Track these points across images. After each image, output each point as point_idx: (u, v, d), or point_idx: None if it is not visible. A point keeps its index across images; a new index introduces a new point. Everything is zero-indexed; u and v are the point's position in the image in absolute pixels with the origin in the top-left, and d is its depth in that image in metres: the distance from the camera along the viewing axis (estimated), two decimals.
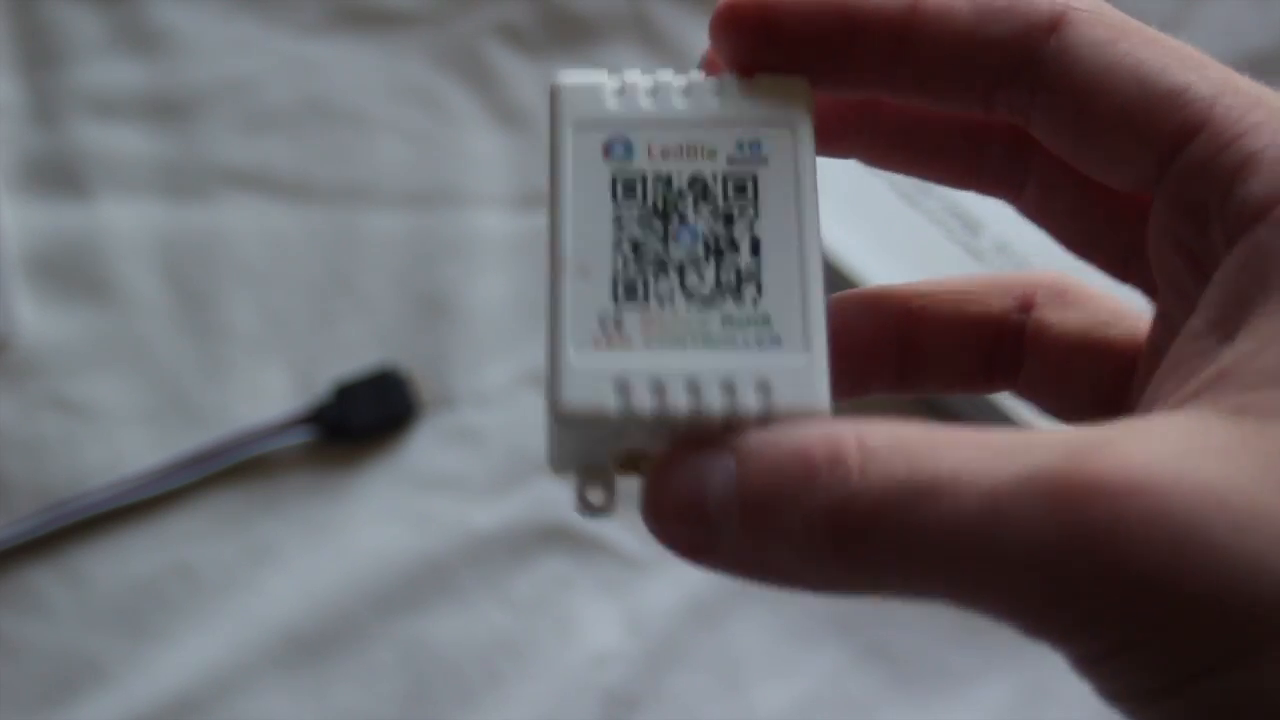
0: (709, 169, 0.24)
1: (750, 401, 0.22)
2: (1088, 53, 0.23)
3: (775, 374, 0.23)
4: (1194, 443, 0.20)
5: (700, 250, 0.24)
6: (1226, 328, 0.22)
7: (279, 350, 0.53)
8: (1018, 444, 0.21)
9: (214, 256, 0.54)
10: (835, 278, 0.51)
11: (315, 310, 0.54)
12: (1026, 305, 0.28)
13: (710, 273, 0.24)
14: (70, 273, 0.54)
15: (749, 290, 0.23)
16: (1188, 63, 0.23)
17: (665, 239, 0.24)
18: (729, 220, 0.24)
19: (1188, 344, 0.22)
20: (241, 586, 0.50)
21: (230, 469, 0.51)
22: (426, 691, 0.49)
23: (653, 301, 0.23)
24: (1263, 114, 0.22)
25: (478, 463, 0.52)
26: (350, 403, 0.52)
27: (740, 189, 0.24)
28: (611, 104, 0.24)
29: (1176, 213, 0.23)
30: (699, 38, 0.58)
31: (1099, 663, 0.21)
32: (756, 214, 0.24)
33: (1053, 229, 0.27)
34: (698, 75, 0.25)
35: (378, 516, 0.51)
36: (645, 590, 0.50)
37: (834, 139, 0.27)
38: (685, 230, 0.24)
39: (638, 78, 0.25)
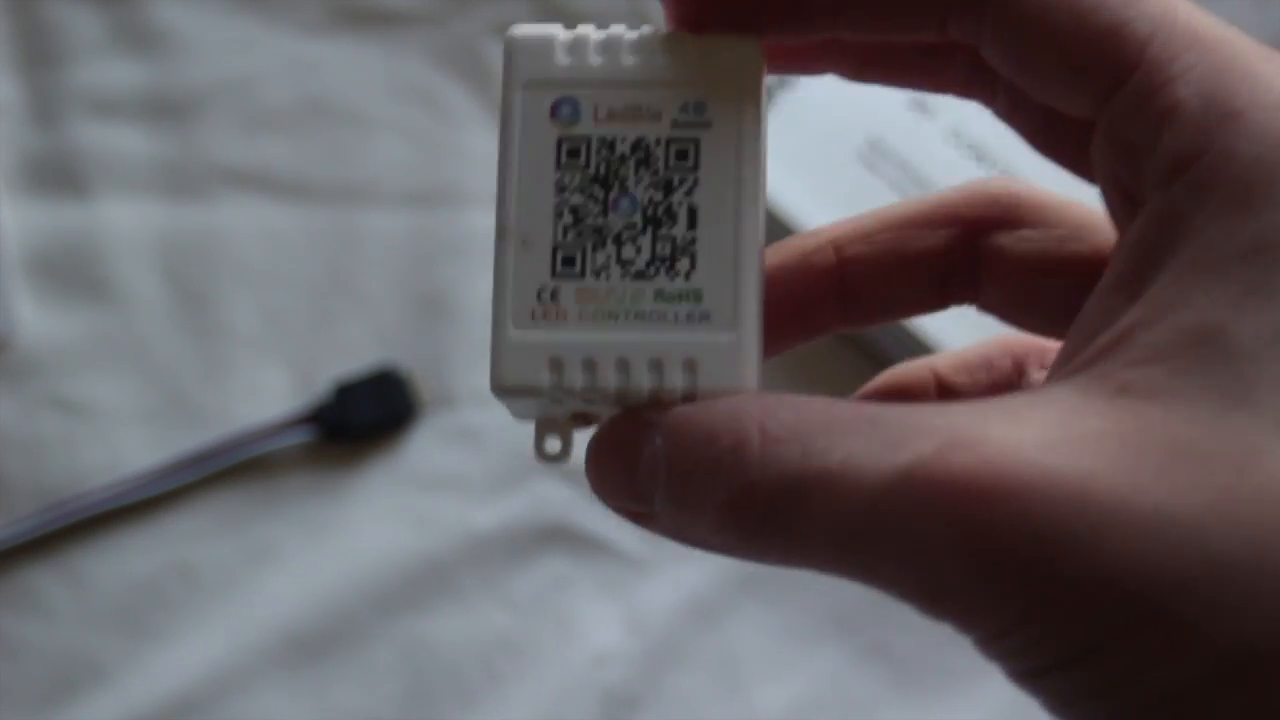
0: (652, 133, 0.24)
1: (676, 381, 0.23)
2: None
3: (702, 352, 0.23)
4: (1068, 430, 0.21)
5: (638, 219, 0.24)
6: (1132, 288, 0.22)
7: (279, 350, 0.53)
8: (905, 430, 0.21)
9: (214, 256, 0.54)
10: None
11: (315, 310, 0.54)
12: (977, 228, 0.27)
13: (646, 244, 0.24)
14: (70, 273, 0.54)
15: (683, 263, 0.24)
16: None
17: (605, 207, 0.24)
18: (668, 188, 0.24)
19: (1098, 300, 0.22)
20: (241, 586, 0.50)
21: (230, 469, 0.51)
22: (426, 691, 0.49)
23: (589, 274, 0.24)
24: (1194, 56, 0.22)
25: (478, 463, 0.52)
26: (350, 403, 0.52)
27: (682, 154, 0.24)
28: (562, 60, 0.25)
29: (1113, 154, 0.23)
30: None
31: (988, 643, 0.22)
32: (696, 182, 0.24)
33: (1023, 130, 0.26)
34: (649, 31, 0.25)
35: (378, 516, 0.51)
36: (645, 590, 0.50)
37: (808, 59, 0.26)
38: (625, 198, 0.24)
39: (590, 32, 0.25)
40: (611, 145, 0.24)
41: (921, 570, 0.21)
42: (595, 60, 0.25)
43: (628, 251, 0.24)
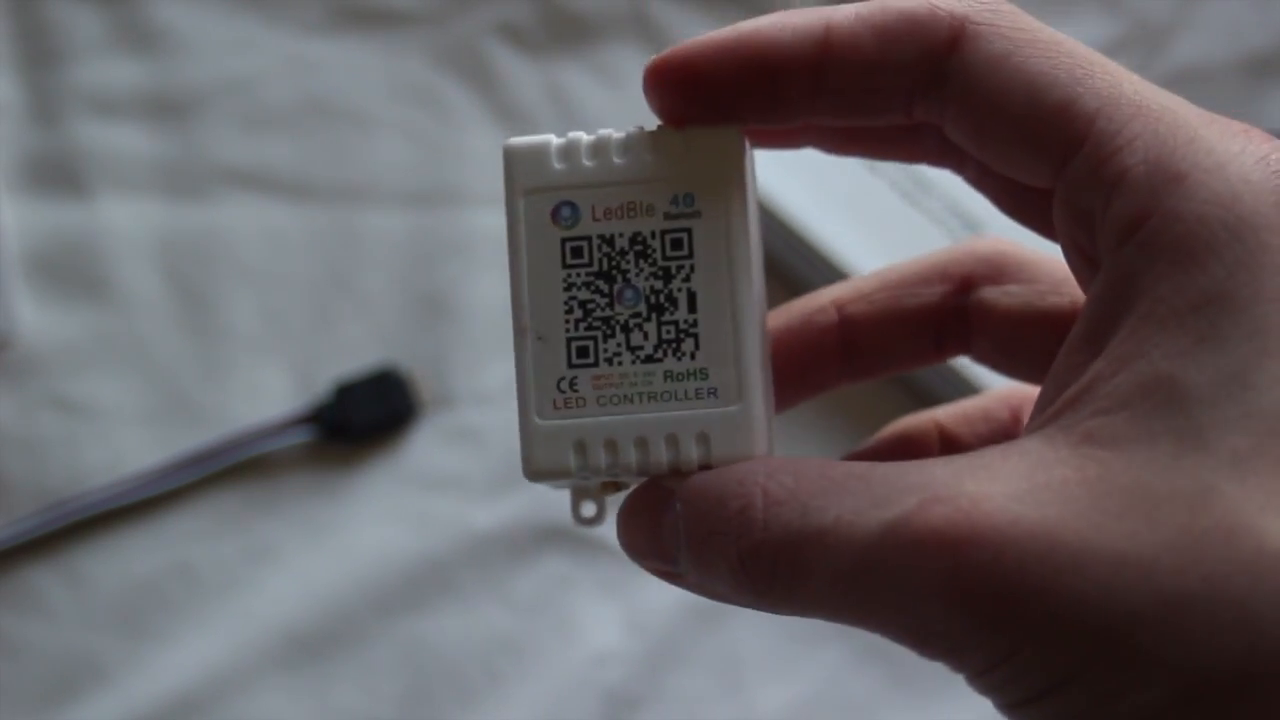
0: (647, 227, 0.26)
1: (692, 454, 0.26)
2: (983, 70, 0.24)
3: (713, 425, 0.26)
4: (1035, 480, 0.22)
5: (643, 308, 0.26)
6: (1095, 344, 0.23)
7: (279, 350, 0.53)
8: (890, 488, 0.23)
9: (214, 256, 0.54)
10: (836, 276, 0.51)
11: (315, 310, 0.54)
12: (966, 285, 0.30)
13: (652, 330, 0.26)
14: (70, 272, 0.54)
15: (687, 345, 0.26)
16: (1075, 73, 0.24)
17: (611, 299, 0.26)
18: (667, 276, 0.26)
19: (1067, 356, 0.24)
20: (241, 586, 0.50)
21: (230, 469, 0.51)
22: (426, 691, 0.49)
23: (602, 363, 0.26)
24: (1139, 126, 0.23)
25: (478, 463, 0.52)
26: (350, 402, 0.52)
27: (676, 244, 0.26)
28: (557, 166, 0.27)
29: (1070, 219, 0.24)
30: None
31: (978, 678, 0.23)
32: (692, 268, 0.26)
33: (992, 197, 0.28)
34: (634, 131, 0.27)
35: (378, 516, 0.51)
36: (645, 590, 0.50)
37: (788, 138, 0.28)
38: (629, 289, 0.26)
39: (581, 137, 0.27)
40: (611, 241, 0.26)
41: (910, 615, 0.23)
42: (588, 164, 0.27)
43: (635, 338, 0.26)
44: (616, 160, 0.26)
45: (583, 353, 0.26)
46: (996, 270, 0.30)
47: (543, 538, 0.51)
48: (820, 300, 0.31)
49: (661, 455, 0.26)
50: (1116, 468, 0.22)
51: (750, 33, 0.26)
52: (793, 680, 0.50)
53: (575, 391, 0.26)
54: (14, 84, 0.56)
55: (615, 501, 0.27)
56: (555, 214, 0.26)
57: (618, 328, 0.26)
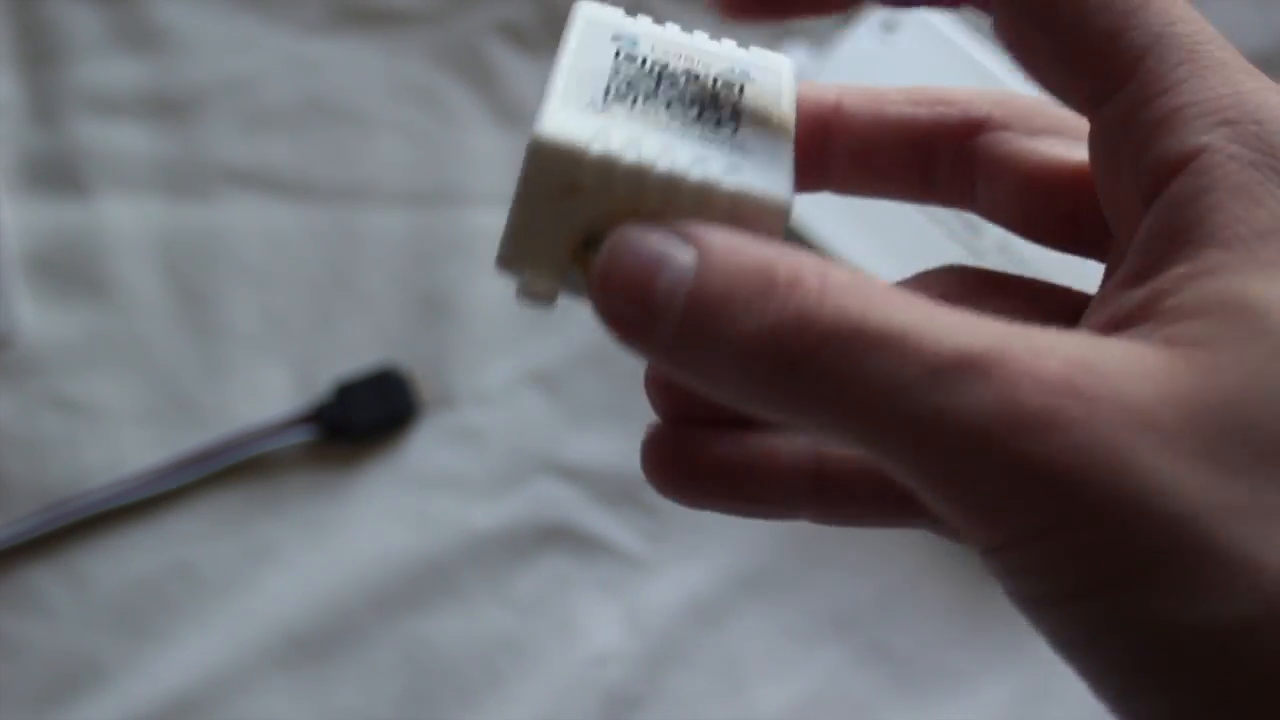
0: (703, 70, 0.26)
1: (719, 173, 0.23)
2: None
3: (743, 164, 0.24)
4: (1130, 363, 0.21)
5: (687, 99, 0.25)
6: (1151, 274, 0.22)
7: (279, 350, 0.53)
8: (969, 320, 0.21)
9: (214, 255, 0.54)
10: None
11: (316, 309, 0.54)
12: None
13: (694, 111, 0.25)
14: (70, 272, 0.54)
15: (726, 127, 0.25)
16: (1131, 3, 0.23)
17: (657, 88, 0.25)
18: (715, 97, 0.26)
19: (1114, 291, 0.23)
20: (242, 586, 0.50)
21: (230, 469, 0.51)
22: (426, 691, 0.49)
23: (639, 106, 0.24)
24: (1186, 71, 0.23)
25: (478, 462, 0.52)
26: (351, 402, 0.52)
27: (728, 85, 0.26)
28: (624, 19, 0.27)
29: (1106, 157, 0.24)
30: None
31: (998, 554, 0.21)
32: (740, 98, 0.26)
33: (1005, 223, 0.28)
34: (701, 32, 0.27)
35: (378, 516, 0.51)
36: (645, 590, 0.50)
37: (809, 180, 0.28)
38: (674, 90, 0.25)
39: (649, 19, 0.27)
40: (665, 65, 0.26)
41: (961, 455, 0.20)
42: (654, 27, 0.27)
43: (676, 110, 0.25)
44: (681, 33, 0.27)
45: (621, 96, 0.25)
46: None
47: (543, 538, 0.51)
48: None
49: (689, 166, 0.23)
50: (1204, 370, 0.20)
51: None
52: (793, 680, 0.50)
53: (606, 110, 0.24)
54: (14, 83, 0.56)
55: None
56: (615, 38, 0.26)
57: (660, 101, 0.25)
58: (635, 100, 0.25)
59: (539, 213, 0.24)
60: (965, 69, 0.53)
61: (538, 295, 0.24)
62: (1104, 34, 0.23)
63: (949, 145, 0.28)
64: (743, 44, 0.27)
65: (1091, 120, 0.24)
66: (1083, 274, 0.29)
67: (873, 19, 0.54)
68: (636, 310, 0.22)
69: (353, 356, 0.53)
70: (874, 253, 0.51)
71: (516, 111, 0.57)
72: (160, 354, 0.53)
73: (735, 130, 0.25)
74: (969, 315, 0.21)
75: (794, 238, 0.52)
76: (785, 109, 0.26)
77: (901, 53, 0.53)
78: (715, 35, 0.28)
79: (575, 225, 0.24)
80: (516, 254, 0.24)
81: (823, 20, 0.56)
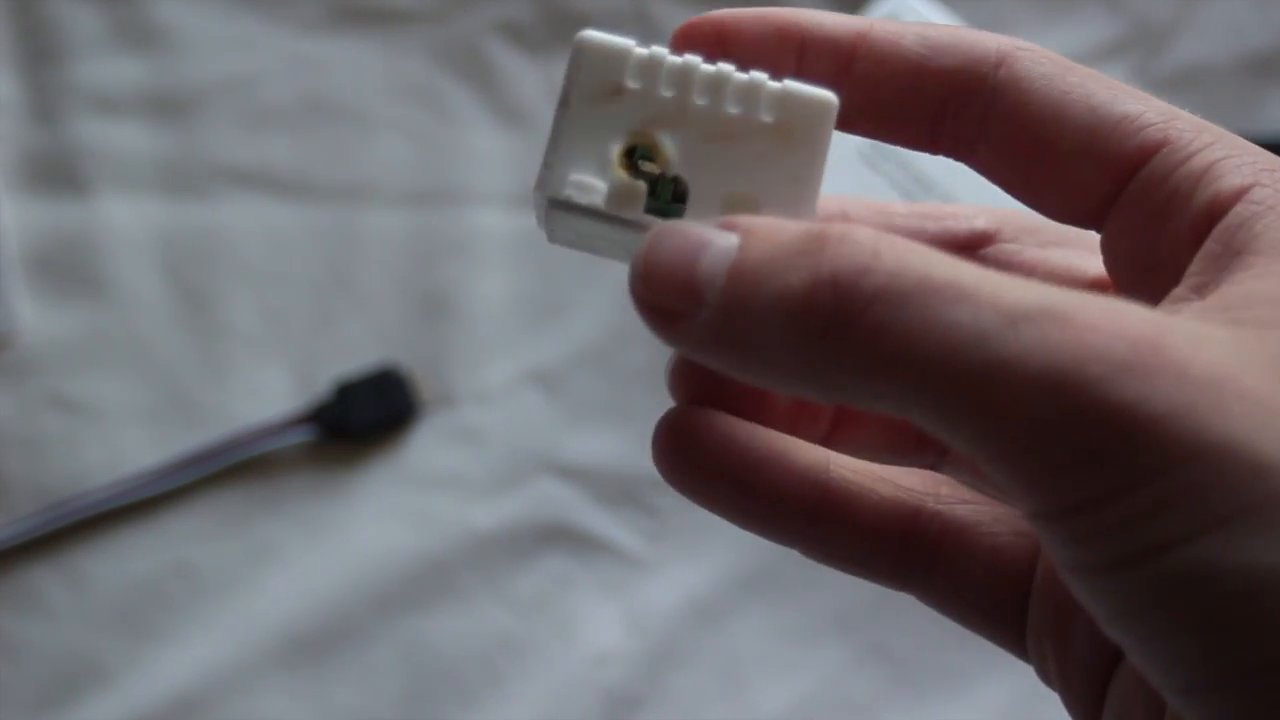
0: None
1: (766, 77, 0.23)
2: (1040, 84, 0.24)
3: (788, 81, 0.23)
4: (1203, 330, 0.20)
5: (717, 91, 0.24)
6: (1208, 289, 0.22)
7: (279, 349, 0.53)
8: (1037, 284, 0.20)
9: (214, 255, 0.54)
10: None
11: (316, 309, 0.54)
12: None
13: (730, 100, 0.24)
14: (70, 271, 0.54)
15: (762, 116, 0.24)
16: (1135, 94, 0.24)
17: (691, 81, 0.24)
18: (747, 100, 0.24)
19: (1169, 305, 0.23)
20: (242, 586, 0.50)
21: (230, 469, 0.51)
22: (426, 691, 0.49)
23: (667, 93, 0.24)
24: (1211, 136, 0.24)
25: (478, 462, 0.52)
26: (351, 402, 0.52)
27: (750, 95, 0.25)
28: (631, 81, 0.24)
29: (1136, 224, 0.24)
30: None
31: (1065, 519, 0.20)
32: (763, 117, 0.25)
33: (1003, 183, 0.27)
34: (728, 66, 0.25)
35: (378, 516, 0.51)
36: (645, 590, 0.50)
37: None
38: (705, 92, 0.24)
39: (664, 51, 0.24)
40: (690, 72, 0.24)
41: (1039, 404, 0.19)
42: (665, 93, 0.24)
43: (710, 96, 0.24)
44: (704, 66, 0.24)
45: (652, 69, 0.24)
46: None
47: (543, 538, 0.51)
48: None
49: (734, 69, 0.23)
50: (1275, 341, 0.20)
51: (790, 10, 0.25)
52: (793, 680, 0.50)
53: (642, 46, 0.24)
54: (14, 82, 0.56)
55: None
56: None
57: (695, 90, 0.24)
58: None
59: (583, 117, 0.23)
60: None
61: (581, 191, 0.23)
62: (1124, 116, 0.24)
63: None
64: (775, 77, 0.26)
65: (1116, 203, 0.24)
66: None
67: None
68: (678, 297, 0.21)
69: (353, 356, 0.53)
70: None
71: (516, 111, 0.57)
72: (160, 354, 0.53)
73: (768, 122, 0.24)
74: (1039, 282, 0.21)
75: None
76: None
77: None
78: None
79: (621, 127, 0.23)
80: (558, 166, 0.23)
81: None
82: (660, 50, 0.23)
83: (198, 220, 0.55)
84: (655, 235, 0.22)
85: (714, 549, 0.51)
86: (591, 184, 0.23)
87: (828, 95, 0.24)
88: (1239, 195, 0.23)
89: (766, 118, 0.23)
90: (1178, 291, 0.23)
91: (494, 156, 0.56)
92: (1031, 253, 0.27)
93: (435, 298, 0.54)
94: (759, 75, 0.23)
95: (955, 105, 0.25)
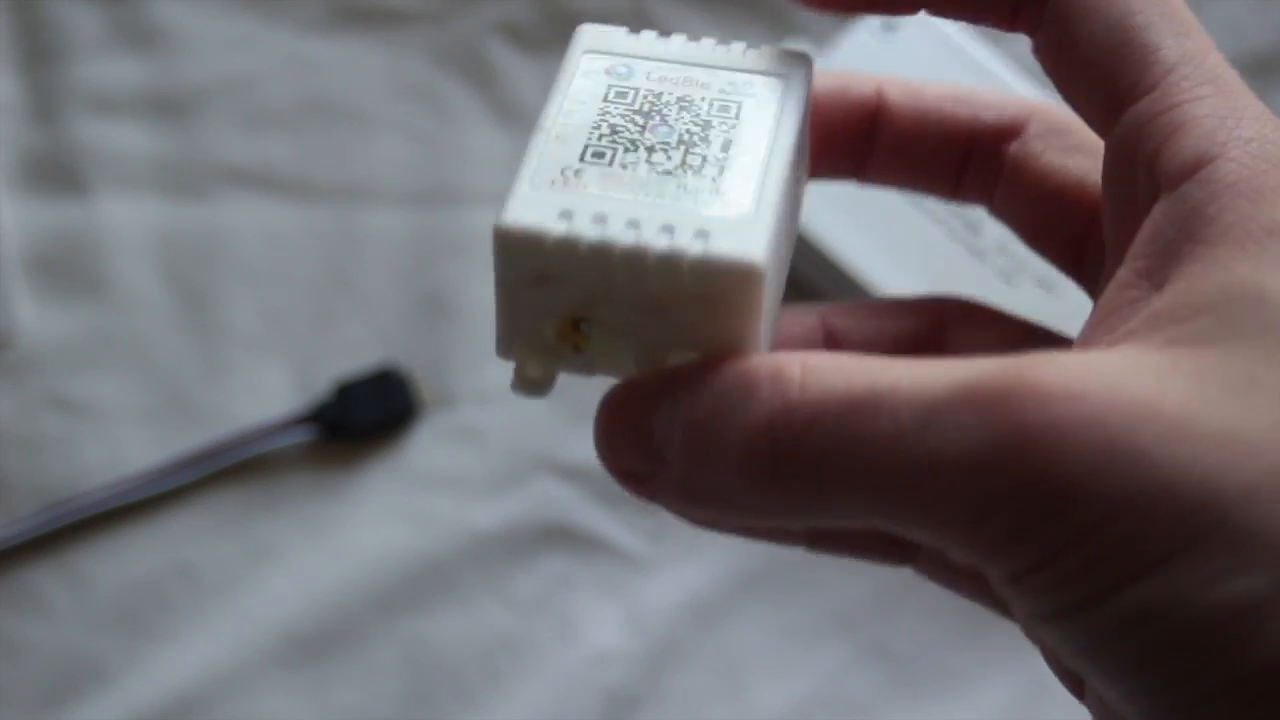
0: (699, 94, 0.25)
1: (687, 242, 0.22)
2: None
3: (715, 225, 0.23)
4: (1128, 365, 0.21)
5: (673, 139, 0.24)
6: (1156, 278, 0.22)
7: (279, 349, 0.53)
8: (958, 362, 0.21)
9: (214, 255, 0.54)
10: (837, 277, 0.51)
11: (315, 309, 0.54)
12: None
13: (678, 156, 0.24)
14: (70, 271, 0.54)
15: (710, 170, 0.24)
16: (1171, 25, 0.24)
17: (643, 130, 0.25)
18: (706, 125, 0.25)
19: (1116, 294, 0.23)
20: (241, 586, 0.50)
21: (230, 469, 0.51)
22: (426, 691, 0.49)
23: (615, 165, 0.24)
24: (1210, 90, 0.23)
25: (478, 462, 0.52)
26: (351, 402, 0.52)
27: (724, 109, 0.25)
28: (624, 39, 0.26)
29: (1122, 162, 0.24)
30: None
31: (1022, 580, 0.21)
32: (734, 126, 0.25)
33: (1016, 228, 0.28)
34: (709, 39, 0.27)
35: (378, 516, 0.51)
36: (645, 590, 0.50)
37: (829, 166, 0.28)
38: (663, 125, 0.25)
39: (653, 33, 0.27)
40: (658, 95, 0.25)
41: (971, 487, 0.20)
42: (656, 44, 0.26)
43: (658, 157, 0.24)
44: (685, 45, 0.26)
45: (599, 155, 0.24)
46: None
47: (543, 538, 0.51)
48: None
49: (654, 238, 0.22)
50: (1213, 360, 0.21)
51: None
52: (793, 680, 0.50)
53: (578, 179, 0.24)
54: (14, 82, 0.56)
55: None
56: (609, 69, 0.26)
57: (642, 147, 0.24)
58: (615, 155, 0.24)
59: (517, 301, 0.24)
60: (965, 68, 0.53)
61: (532, 383, 0.24)
62: (1141, 45, 0.24)
63: (984, 146, 0.28)
64: (754, 45, 0.26)
65: (1111, 126, 0.24)
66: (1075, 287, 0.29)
67: (873, 17, 0.54)
68: (641, 457, 0.23)
69: (353, 356, 0.53)
70: (874, 253, 0.51)
71: (516, 111, 0.57)
72: (160, 354, 0.53)
73: (721, 171, 0.24)
74: (956, 359, 0.21)
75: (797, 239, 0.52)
76: (786, 128, 0.25)
77: (902, 52, 0.53)
78: (725, 40, 0.27)
79: (556, 309, 0.24)
80: (507, 342, 0.24)
81: (824, 17, 0.56)
82: (576, 232, 0.23)
83: (198, 220, 0.55)
84: (608, 400, 0.23)
85: (714, 549, 0.51)
86: (541, 369, 0.24)
87: (750, 259, 0.22)
88: (1202, 164, 0.22)
89: (691, 289, 0.23)
90: (1124, 275, 0.23)
91: (494, 156, 0.56)
92: (1051, 158, 0.28)
93: (435, 298, 0.54)
94: (678, 246, 0.22)
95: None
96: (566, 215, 0.23)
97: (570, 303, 0.23)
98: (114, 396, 0.52)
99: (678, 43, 0.26)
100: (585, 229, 0.23)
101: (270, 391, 0.52)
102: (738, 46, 0.26)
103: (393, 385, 0.52)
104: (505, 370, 0.54)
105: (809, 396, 0.21)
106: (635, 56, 0.26)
